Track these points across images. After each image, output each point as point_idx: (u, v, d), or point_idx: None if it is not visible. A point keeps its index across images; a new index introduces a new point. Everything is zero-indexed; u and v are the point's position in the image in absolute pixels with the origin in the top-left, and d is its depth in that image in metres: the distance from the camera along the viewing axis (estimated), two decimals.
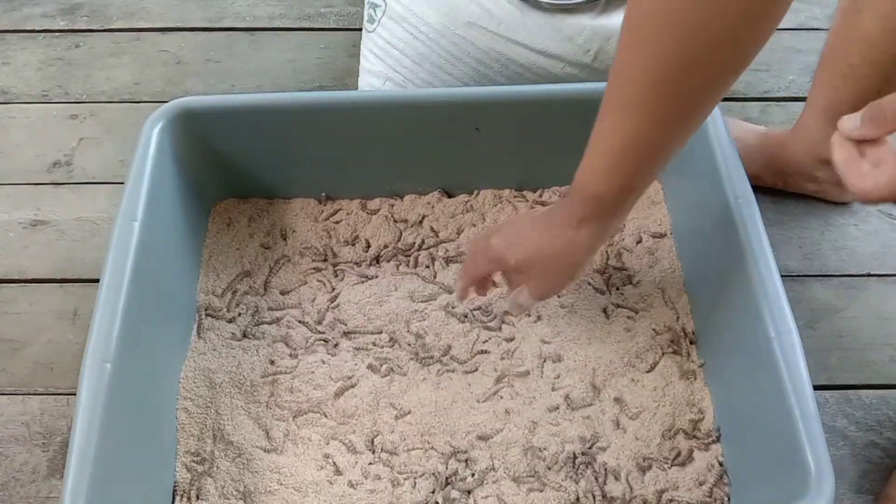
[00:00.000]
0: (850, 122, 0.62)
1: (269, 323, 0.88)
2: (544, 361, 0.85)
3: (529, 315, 0.88)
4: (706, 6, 0.55)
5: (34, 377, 0.92)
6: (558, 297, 0.90)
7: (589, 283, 0.91)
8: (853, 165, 0.62)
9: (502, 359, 0.85)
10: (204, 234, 0.95)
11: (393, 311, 0.89)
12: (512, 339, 0.87)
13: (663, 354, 0.85)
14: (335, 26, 1.30)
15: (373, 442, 0.80)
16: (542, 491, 0.77)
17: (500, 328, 0.87)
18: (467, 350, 0.86)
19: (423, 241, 0.95)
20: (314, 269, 0.93)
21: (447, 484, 0.77)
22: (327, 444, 0.80)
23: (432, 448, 0.79)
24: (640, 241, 0.94)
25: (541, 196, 0.98)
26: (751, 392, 0.75)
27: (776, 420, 0.69)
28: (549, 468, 0.78)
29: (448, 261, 0.93)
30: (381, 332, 0.87)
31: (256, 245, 0.95)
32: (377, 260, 0.93)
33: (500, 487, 0.77)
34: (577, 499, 0.76)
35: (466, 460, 0.79)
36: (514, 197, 0.98)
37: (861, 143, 0.63)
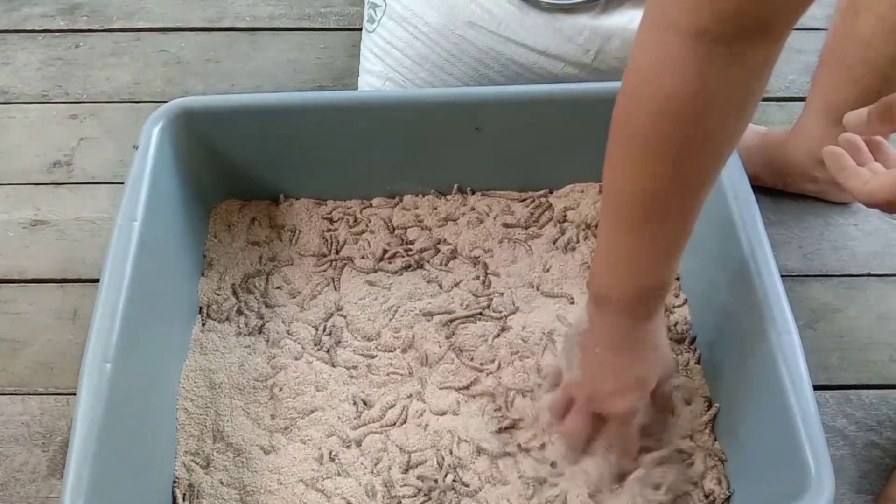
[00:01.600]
0: (856, 119, 0.62)
1: (270, 323, 0.88)
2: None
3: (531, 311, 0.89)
4: (696, 124, 0.56)
5: (34, 377, 0.92)
6: (554, 298, 0.90)
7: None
8: (852, 170, 0.62)
9: (504, 359, 0.85)
10: (204, 234, 0.94)
11: (394, 312, 0.89)
12: (510, 333, 0.86)
13: None
14: (335, 26, 1.30)
15: (374, 444, 0.80)
16: (543, 490, 0.76)
17: (502, 331, 0.88)
18: (470, 350, 0.86)
19: (423, 241, 0.95)
20: (314, 269, 0.93)
21: (450, 487, 0.77)
22: (327, 444, 0.80)
23: (434, 449, 0.79)
24: None
25: (546, 195, 0.98)
26: (751, 392, 0.75)
27: (776, 419, 0.69)
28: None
29: (448, 261, 0.93)
30: (382, 333, 0.87)
31: (257, 245, 0.95)
32: (378, 260, 0.93)
33: (502, 489, 0.77)
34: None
35: (469, 462, 0.78)
36: (515, 198, 0.98)
37: (856, 149, 0.64)
